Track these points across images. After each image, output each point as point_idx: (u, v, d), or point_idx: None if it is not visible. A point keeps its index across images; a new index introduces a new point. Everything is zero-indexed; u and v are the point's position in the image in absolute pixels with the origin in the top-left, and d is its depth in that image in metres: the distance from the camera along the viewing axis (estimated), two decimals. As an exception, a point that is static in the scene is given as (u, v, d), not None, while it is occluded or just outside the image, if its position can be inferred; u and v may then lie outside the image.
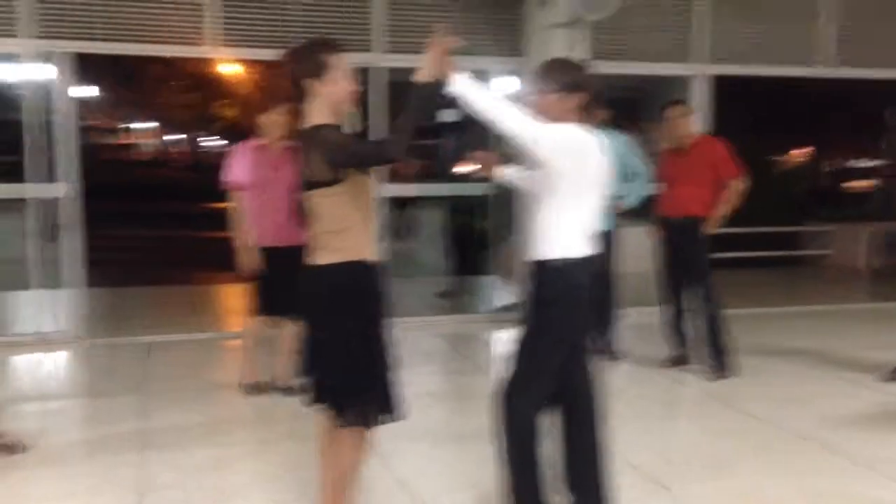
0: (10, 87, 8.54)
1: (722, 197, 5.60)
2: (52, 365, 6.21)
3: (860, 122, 16.32)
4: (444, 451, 4.31)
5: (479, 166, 3.70)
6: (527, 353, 3.20)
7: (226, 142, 36.31)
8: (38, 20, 6.25)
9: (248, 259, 4.97)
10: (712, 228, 5.60)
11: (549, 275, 3.14)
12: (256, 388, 5.16)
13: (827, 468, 4.08)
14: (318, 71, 2.96)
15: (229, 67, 23.10)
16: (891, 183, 13.65)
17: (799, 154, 19.81)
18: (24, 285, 6.68)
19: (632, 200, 5.68)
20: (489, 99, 2.92)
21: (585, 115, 3.20)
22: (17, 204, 6.75)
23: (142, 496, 3.69)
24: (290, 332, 5.04)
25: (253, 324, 5.17)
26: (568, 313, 3.17)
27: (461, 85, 2.89)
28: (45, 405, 5.16)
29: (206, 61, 20.19)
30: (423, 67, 2.85)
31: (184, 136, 40.20)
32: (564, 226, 3.12)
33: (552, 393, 3.22)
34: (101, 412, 4.94)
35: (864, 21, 8.08)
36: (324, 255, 2.99)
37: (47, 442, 4.35)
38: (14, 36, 6.22)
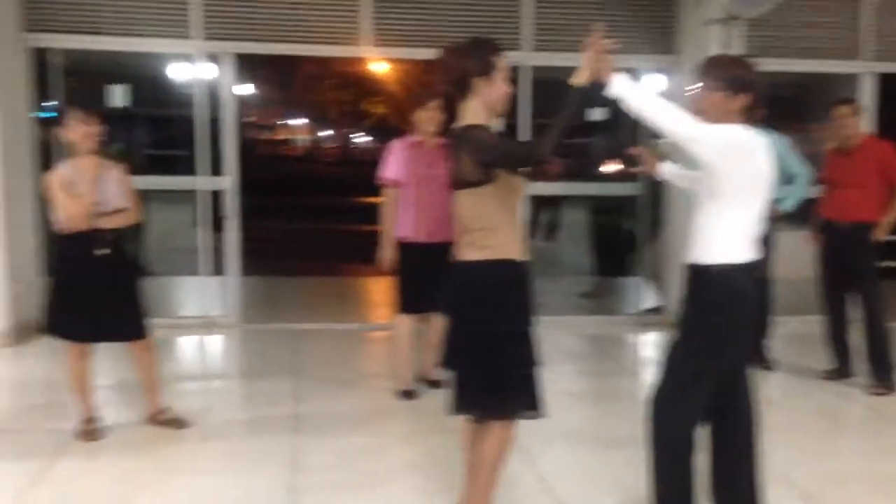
0: (180, 85, 9.11)
1: (890, 201, 5.29)
2: (213, 347, 6.59)
3: None
4: (585, 452, 4.27)
5: (639, 163, 3.64)
6: (684, 360, 3.10)
7: (374, 138, 37.31)
8: (207, 23, 6.63)
9: (389, 254, 5.02)
10: (881, 234, 5.30)
11: (710, 280, 3.03)
12: (410, 395, 5.11)
13: None
14: (484, 70, 2.99)
15: (380, 65, 23.71)
16: None
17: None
18: (194, 271, 7.11)
19: (790, 204, 5.44)
20: (650, 100, 2.86)
21: (749, 115, 3.09)
22: (188, 195, 7.20)
23: (296, 475, 3.85)
24: (436, 327, 5.13)
25: (404, 324, 5.13)
26: (730, 320, 3.06)
27: (621, 86, 2.85)
28: (206, 384, 5.49)
29: (357, 60, 20.81)
30: (580, 70, 2.84)
31: (335, 132, 41.54)
32: (728, 229, 3.01)
33: (708, 402, 3.12)
34: (258, 394, 5.19)
35: None
36: (472, 253, 3.04)
37: (209, 419, 4.62)
38: (187, 38, 6.62)
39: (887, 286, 5.51)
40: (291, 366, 5.77)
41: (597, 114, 9.43)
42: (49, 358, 5.45)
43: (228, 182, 6.78)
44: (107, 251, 4.12)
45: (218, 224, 6.84)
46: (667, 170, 3.58)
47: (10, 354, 5.91)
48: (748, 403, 3.21)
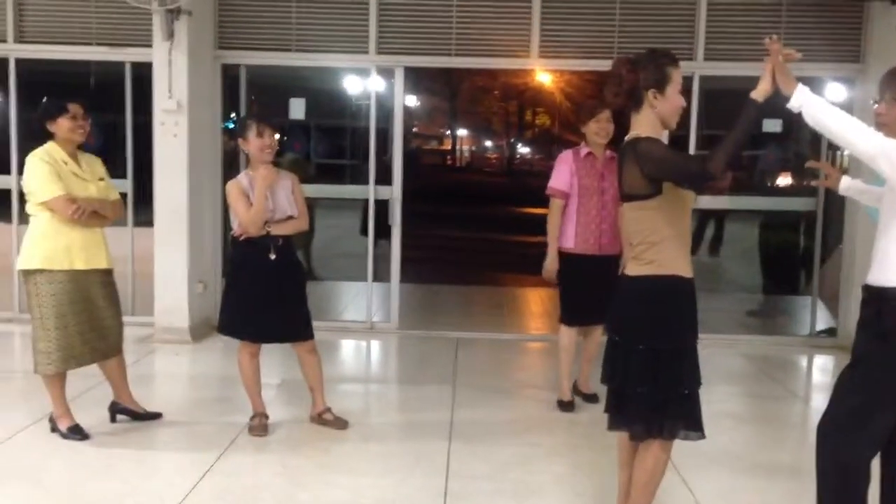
0: (353, 97, 9.51)
1: None
2: (373, 351, 6.82)
3: None
4: (743, 478, 4.10)
5: (820, 176, 3.47)
6: (859, 387, 2.92)
7: (536, 149, 37.36)
8: (381, 38, 6.89)
9: (555, 265, 5.01)
10: None
11: (891, 305, 2.84)
12: (569, 407, 5.09)
13: None
14: (660, 82, 2.95)
15: (544, 77, 23.75)
16: None
17: None
18: (358, 277, 7.39)
19: None
20: (833, 113, 2.73)
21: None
22: (355, 203, 7.51)
23: (449, 481, 3.93)
24: (595, 339, 5.09)
25: (566, 335, 5.10)
26: None
27: (804, 98, 2.74)
28: (366, 387, 5.69)
29: (523, 72, 20.93)
30: (761, 82, 2.76)
31: (497, 142, 41.92)
32: None
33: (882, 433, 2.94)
34: (415, 399, 5.33)
35: None
36: (637, 267, 3.01)
37: (367, 421, 4.80)
38: (364, 52, 6.91)
39: None
40: (448, 373, 5.88)
41: (769, 125, 9.03)
42: (225, 355, 5.82)
43: (395, 191, 7.00)
44: (276, 257, 4.36)
45: (382, 231, 7.07)
46: (849, 184, 3.40)
47: (190, 350, 6.36)
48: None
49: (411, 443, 4.47)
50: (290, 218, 4.42)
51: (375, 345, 6.88)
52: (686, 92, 6.59)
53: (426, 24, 6.91)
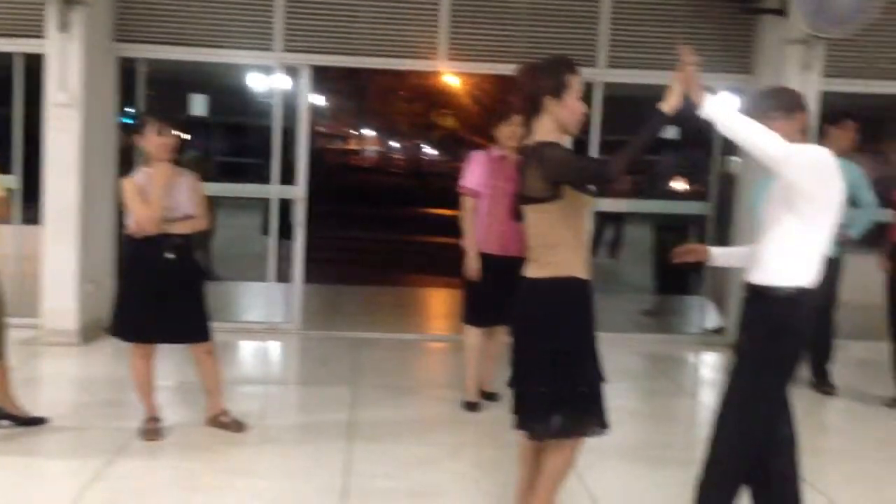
0: (257, 95, 9.36)
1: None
2: (274, 352, 6.73)
3: None
4: (639, 471, 4.24)
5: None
6: (750, 384, 3.06)
7: (442, 151, 37.52)
8: (287, 36, 6.80)
9: (473, 265, 5.02)
10: (954, 262, 5.14)
11: (778, 303, 2.99)
12: (474, 407, 5.10)
13: None
14: (558, 89, 3.01)
15: (451, 79, 23.87)
16: None
17: None
18: (261, 277, 7.26)
19: (857, 231, 5.34)
20: (742, 121, 2.84)
21: (805, 135, 3.06)
22: (258, 203, 7.38)
23: (349, 482, 3.91)
24: (499, 340, 5.14)
25: (472, 335, 5.12)
26: (796, 345, 3.04)
27: (715, 107, 2.83)
28: (265, 389, 5.60)
29: (430, 73, 20.96)
30: (670, 93, 2.84)
31: (404, 144, 41.91)
32: (800, 251, 2.98)
33: (769, 426, 3.08)
34: (315, 400, 5.28)
35: None
36: (536, 269, 3.07)
37: (266, 423, 4.72)
38: (268, 50, 6.80)
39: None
40: (350, 373, 5.86)
41: (667, 131, 9.32)
42: (115, 357, 5.65)
43: (299, 190, 6.92)
44: (173, 256, 4.26)
45: (285, 232, 6.99)
46: (718, 253, 3.46)
47: (78, 353, 6.13)
48: (791, 428, 3.16)
49: (310, 444, 4.43)
50: (189, 217, 4.33)
51: (276, 346, 6.79)
52: (589, 98, 6.82)
53: (334, 23, 6.84)
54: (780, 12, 6.57)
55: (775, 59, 6.73)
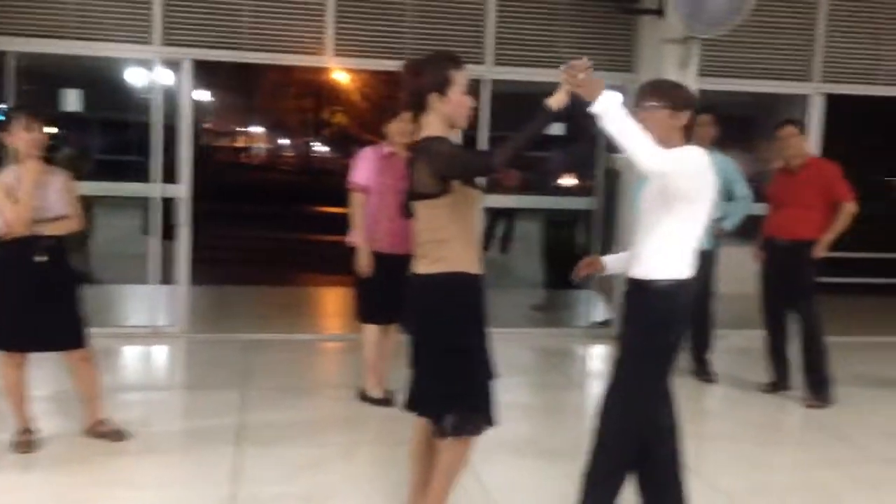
0: (137, 90, 9.01)
1: (831, 220, 5.41)
2: (159, 357, 6.50)
3: None
4: (530, 465, 4.30)
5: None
6: (632, 375, 3.14)
7: (333, 148, 37.20)
8: (167, 29, 6.57)
9: (365, 261, 4.97)
10: (821, 252, 5.41)
11: (656, 295, 3.08)
12: (384, 402, 5.07)
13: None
14: (442, 85, 3.00)
15: (341, 76, 23.70)
16: None
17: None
18: (143, 280, 7.00)
19: (731, 224, 5.57)
20: (629, 126, 2.88)
21: (689, 134, 3.15)
22: (139, 202, 7.11)
23: (237, 488, 3.82)
24: (392, 337, 5.12)
25: (370, 333, 5.10)
26: (675, 335, 3.12)
27: (607, 107, 2.85)
28: (148, 395, 5.40)
29: (319, 69, 20.75)
30: (559, 94, 2.87)
31: (294, 141, 41.35)
32: (676, 246, 3.07)
33: (652, 415, 3.17)
34: (202, 405, 5.13)
35: None
36: (426, 265, 3.06)
37: (149, 431, 4.55)
38: (147, 43, 6.55)
39: (826, 302, 5.63)
40: (239, 376, 5.71)
41: (554, 128, 9.48)
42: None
43: (182, 189, 6.71)
44: (45, 258, 4.05)
45: (169, 232, 6.76)
46: (610, 260, 3.53)
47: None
48: (673, 416, 3.25)
49: (196, 450, 4.29)
50: (61, 217, 4.12)
51: (161, 350, 6.56)
52: (477, 95, 6.87)
53: (215, 16, 6.64)
54: (658, 13, 6.78)
55: (654, 58, 6.93)
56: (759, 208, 5.87)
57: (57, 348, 4.22)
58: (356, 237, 5.00)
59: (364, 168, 5.02)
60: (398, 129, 4.96)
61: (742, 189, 5.59)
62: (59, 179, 4.16)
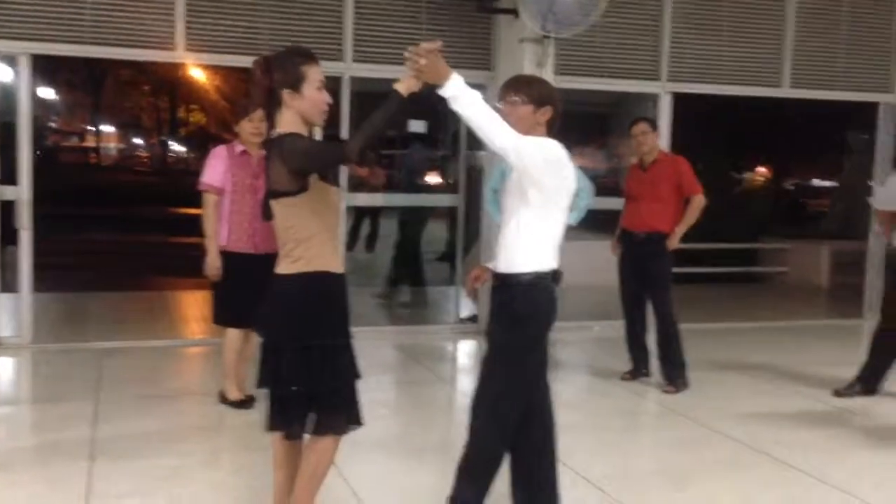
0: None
1: (684, 213, 5.66)
2: (3, 370, 6.08)
3: (822, 143, 16.62)
4: (402, 461, 4.28)
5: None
6: (501, 370, 3.16)
7: (191, 147, 36.09)
8: (2, 21, 6.14)
9: (217, 262, 4.86)
10: (674, 244, 5.65)
11: (520, 289, 3.10)
12: (243, 404, 4.96)
13: (783, 482, 4.11)
14: (294, 82, 2.92)
15: (198, 73, 22.99)
16: (850, 202, 13.90)
17: (760, 173, 20.10)
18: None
19: (575, 217, 5.73)
20: (481, 106, 2.89)
21: (551, 128, 3.20)
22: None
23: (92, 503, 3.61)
24: (252, 340, 4.95)
25: (231, 336, 4.98)
26: (541, 328, 3.16)
27: (456, 88, 2.85)
28: (-6, 411, 5.05)
29: (175, 66, 20.03)
30: (407, 79, 2.84)
31: (149, 140, 39.87)
32: (535, 238, 3.10)
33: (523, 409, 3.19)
34: (52, 419, 4.84)
35: (819, 44, 8.25)
36: (287, 265, 2.98)
37: (-5, 448, 4.25)
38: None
39: (680, 291, 5.89)
40: (92, 387, 5.38)
41: (415, 125, 9.51)
42: None
43: (22, 191, 6.29)
44: None
45: (8, 237, 6.33)
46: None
47: None
48: (548, 405, 3.31)
49: (45, 467, 4.04)
50: None
51: (4, 363, 6.13)
52: (336, 92, 6.78)
53: (55, 8, 6.26)
54: (515, 12, 6.90)
55: (512, 57, 7.04)
56: (616, 203, 6.07)
57: None
58: (207, 239, 4.86)
59: (216, 167, 4.88)
60: (250, 127, 4.85)
61: (583, 182, 5.72)
62: None
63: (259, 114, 4.78)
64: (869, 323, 7.66)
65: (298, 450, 3.13)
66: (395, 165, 10.35)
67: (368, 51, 7.00)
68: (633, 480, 4.09)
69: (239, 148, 4.92)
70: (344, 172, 6.95)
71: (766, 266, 12.23)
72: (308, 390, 2.95)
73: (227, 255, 4.87)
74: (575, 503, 3.65)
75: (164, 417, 4.89)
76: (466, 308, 7.75)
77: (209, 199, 4.87)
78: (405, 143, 9.83)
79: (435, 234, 9.20)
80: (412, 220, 8.71)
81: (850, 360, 5.97)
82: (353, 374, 3.07)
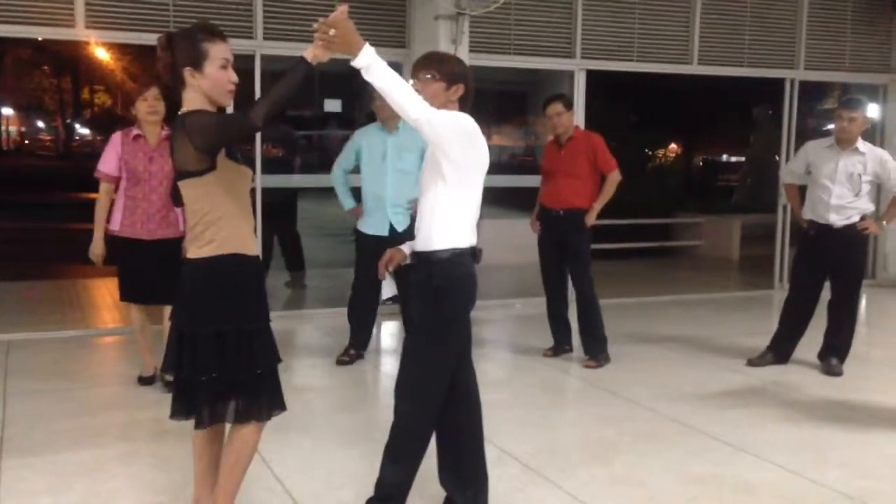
0: None
1: (600, 189, 5.72)
2: None
3: (732, 118, 17.08)
4: (328, 446, 4.21)
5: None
6: (423, 349, 3.12)
7: (93, 130, 34.87)
8: None
9: (101, 249, 4.97)
10: (592, 219, 5.71)
11: (438, 266, 3.07)
12: (151, 380, 5.12)
13: (704, 452, 4.20)
14: (196, 59, 2.82)
15: (102, 52, 22.17)
16: (757, 176, 14.35)
17: (672, 149, 20.55)
18: None
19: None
20: (394, 78, 2.84)
21: (463, 104, 3.17)
22: None
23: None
24: (159, 321, 5.04)
25: (134, 311, 5.10)
26: (459, 304, 3.13)
27: (369, 60, 2.79)
28: None
29: (80, 46, 19.26)
30: (314, 48, 2.76)
31: (54, 123, 38.36)
32: (451, 214, 3.07)
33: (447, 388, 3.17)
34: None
35: (727, 21, 8.44)
36: (197, 249, 2.88)
37: None
38: None
39: (598, 267, 5.96)
40: (-3, 382, 5.17)
41: (331, 105, 9.37)
42: None
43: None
44: None
45: None
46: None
47: None
48: (472, 384, 3.30)
49: (-49, 468, 3.84)
50: None
51: None
52: (248, 71, 6.60)
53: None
54: (429, -11, 6.84)
55: (427, 34, 7.00)
56: (534, 180, 6.10)
57: None
58: (95, 225, 4.95)
59: (109, 154, 4.91)
60: (145, 107, 4.85)
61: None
62: None
63: (154, 92, 4.85)
64: (779, 293, 7.93)
65: (219, 438, 3.05)
66: (312, 146, 10.19)
67: (280, 28, 6.85)
68: (559, 456, 4.13)
69: (134, 132, 4.91)
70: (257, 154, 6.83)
71: (680, 240, 12.53)
72: (226, 376, 2.86)
73: (121, 241, 4.93)
74: (502, 480, 3.67)
75: (78, 412, 4.70)
76: (388, 289, 7.69)
77: (102, 186, 4.95)
78: (322, 123, 9.69)
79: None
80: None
81: (763, 330, 6.17)
82: (273, 358, 3.00)
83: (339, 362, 5.74)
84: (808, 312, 5.75)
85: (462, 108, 3.15)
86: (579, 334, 5.87)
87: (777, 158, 9.32)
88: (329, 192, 6.03)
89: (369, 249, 5.31)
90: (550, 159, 5.87)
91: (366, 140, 5.62)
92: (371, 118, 6.01)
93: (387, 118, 5.44)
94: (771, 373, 5.65)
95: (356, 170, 5.72)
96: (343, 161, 5.72)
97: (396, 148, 5.48)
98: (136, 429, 4.47)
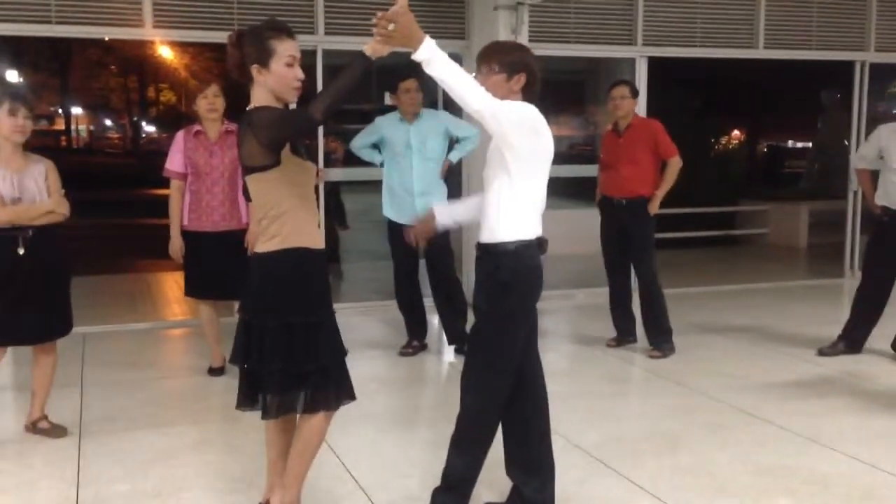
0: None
1: (662, 176, 5.65)
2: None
3: (798, 103, 16.66)
4: (393, 435, 4.27)
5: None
6: (489, 340, 3.13)
7: (159, 127, 35.61)
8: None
9: (179, 244, 5.08)
10: (655, 207, 5.64)
11: (504, 258, 3.07)
12: (220, 371, 5.23)
13: (772, 443, 4.14)
14: (263, 57, 2.87)
15: (168, 51, 22.64)
16: (826, 162, 13.98)
17: (736, 136, 20.15)
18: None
19: (457, 155, 5.77)
20: (456, 69, 2.84)
21: (528, 94, 3.16)
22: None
23: (82, 490, 3.57)
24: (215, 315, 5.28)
25: (202, 306, 5.24)
26: (528, 297, 3.13)
27: (429, 51, 2.79)
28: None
29: (145, 45, 19.70)
30: (374, 42, 2.77)
31: (121, 121, 39.30)
32: (515, 206, 3.07)
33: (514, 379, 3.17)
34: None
35: (793, 4, 8.24)
36: (264, 243, 2.95)
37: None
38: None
39: (662, 256, 5.89)
40: (74, 373, 5.31)
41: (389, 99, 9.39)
42: None
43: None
44: (25, 251, 3.96)
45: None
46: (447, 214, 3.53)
47: None
48: (538, 375, 3.30)
49: (34, 455, 4.00)
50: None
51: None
52: (310, 66, 6.67)
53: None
54: (489, -21, 6.83)
55: (487, 25, 6.99)
56: (592, 170, 6.04)
57: (39, 340, 4.18)
58: (171, 223, 5.10)
59: (174, 153, 5.06)
60: (205, 104, 4.98)
61: (467, 129, 5.67)
62: (39, 167, 4.11)
63: (213, 89, 4.99)
64: (850, 282, 7.74)
65: (290, 428, 3.11)
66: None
67: (341, 23, 6.91)
68: (626, 446, 4.10)
69: (195, 129, 5.05)
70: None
71: (745, 229, 12.30)
72: (294, 368, 2.92)
73: (189, 235, 5.07)
74: (569, 470, 3.66)
75: (151, 401, 4.85)
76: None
77: (172, 184, 5.10)
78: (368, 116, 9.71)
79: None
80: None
81: (833, 319, 6.04)
82: (339, 349, 3.04)
83: (402, 354, 5.79)
84: (882, 301, 5.61)
85: (527, 98, 3.13)
86: (643, 324, 5.81)
87: (846, 143, 9.07)
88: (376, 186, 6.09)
89: (401, 240, 5.32)
90: (610, 148, 5.82)
91: (388, 131, 5.61)
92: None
93: (409, 112, 5.49)
94: (843, 363, 5.52)
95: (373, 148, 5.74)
96: (364, 137, 5.73)
97: (419, 135, 5.51)
98: (208, 417, 4.58)
